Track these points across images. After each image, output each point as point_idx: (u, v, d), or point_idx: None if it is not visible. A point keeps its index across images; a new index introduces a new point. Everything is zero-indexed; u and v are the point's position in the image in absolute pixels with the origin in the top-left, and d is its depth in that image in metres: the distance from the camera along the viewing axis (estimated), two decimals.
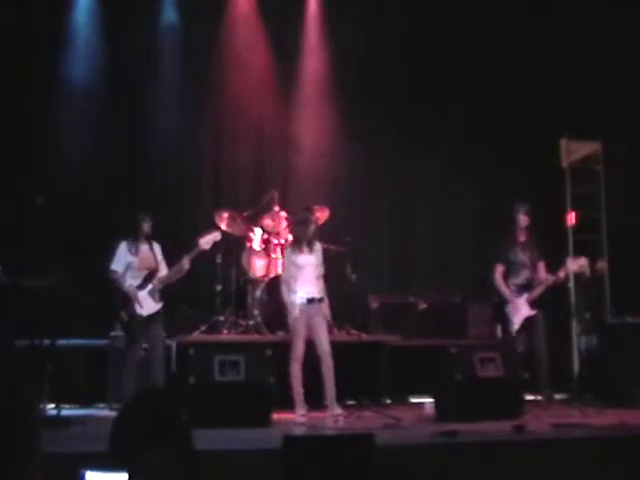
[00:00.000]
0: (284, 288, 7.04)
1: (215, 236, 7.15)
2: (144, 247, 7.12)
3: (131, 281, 6.97)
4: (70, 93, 9.01)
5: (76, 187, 8.75)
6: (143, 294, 6.97)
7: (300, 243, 7.09)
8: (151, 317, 6.96)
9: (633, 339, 7.90)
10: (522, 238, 7.68)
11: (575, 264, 7.66)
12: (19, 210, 7.61)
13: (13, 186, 8.07)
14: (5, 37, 8.42)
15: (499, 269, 7.61)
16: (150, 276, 7.04)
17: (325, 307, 7.03)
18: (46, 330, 6.38)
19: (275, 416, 6.35)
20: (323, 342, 6.88)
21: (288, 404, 6.83)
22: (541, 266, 7.62)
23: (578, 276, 8.78)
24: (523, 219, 7.63)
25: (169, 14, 9.53)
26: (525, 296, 7.50)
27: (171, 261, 7.17)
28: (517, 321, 7.46)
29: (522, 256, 7.62)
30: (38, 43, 8.65)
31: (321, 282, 7.07)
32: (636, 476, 4.85)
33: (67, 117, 8.92)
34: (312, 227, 7.15)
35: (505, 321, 7.52)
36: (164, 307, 7.09)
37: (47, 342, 6.41)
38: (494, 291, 7.67)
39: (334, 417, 6.70)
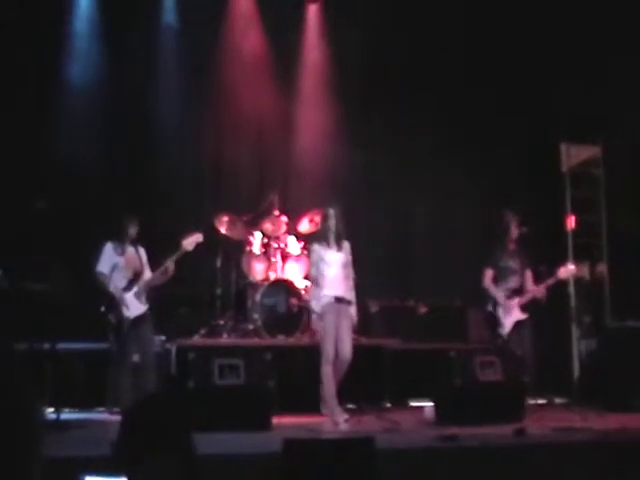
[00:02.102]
0: (312, 286, 6.85)
1: (197, 237, 7.17)
2: (130, 249, 7.15)
3: (117, 283, 6.98)
4: (70, 95, 9.01)
5: (76, 189, 8.75)
6: (129, 296, 6.98)
7: (326, 239, 6.80)
8: (139, 319, 6.96)
9: (633, 343, 7.89)
10: (512, 246, 7.75)
11: (565, 272, 7.70)
12: (20, 213, 7.60)
13: (14, 189, 8.07)
14: (5, 37, 8.42)
15: (489, 274, 7.67)
16: (136, 278, 7.05)
17: (353, 310, 6.85)
18: (46, 333, 6.37)
19: (275, 420, 6.33)
20: (345, 348, 6.71)
21: (288, 408, 6.82)
22: (528, 275, 7.69)
23: (578, 280, 8.77)
24: (514, 231, 7.69)
25: (168, 14, 9.55)
26: (516, 300, 7.55)
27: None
28: (508, 325, 7.50)
29: (512, 263, 7.69)
30: (38, 43, 8.64)
31: (350, 283, 6.86)
32: None
33: (67, 119, 8.92)
34: (335, 222, 6.79)
35: (496, 325, 7.55)
36: (153, 309, 7.08)
37: (47, 346, 6.41)
38: (485, 295, 7.70)
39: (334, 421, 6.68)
